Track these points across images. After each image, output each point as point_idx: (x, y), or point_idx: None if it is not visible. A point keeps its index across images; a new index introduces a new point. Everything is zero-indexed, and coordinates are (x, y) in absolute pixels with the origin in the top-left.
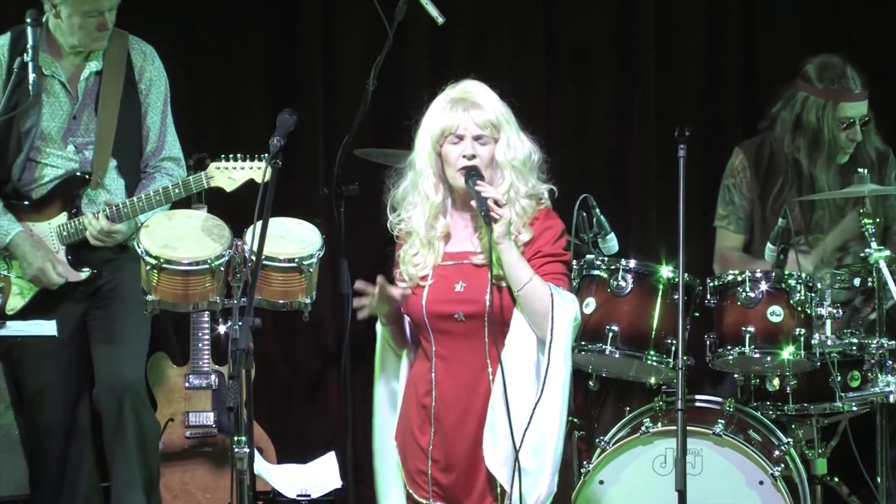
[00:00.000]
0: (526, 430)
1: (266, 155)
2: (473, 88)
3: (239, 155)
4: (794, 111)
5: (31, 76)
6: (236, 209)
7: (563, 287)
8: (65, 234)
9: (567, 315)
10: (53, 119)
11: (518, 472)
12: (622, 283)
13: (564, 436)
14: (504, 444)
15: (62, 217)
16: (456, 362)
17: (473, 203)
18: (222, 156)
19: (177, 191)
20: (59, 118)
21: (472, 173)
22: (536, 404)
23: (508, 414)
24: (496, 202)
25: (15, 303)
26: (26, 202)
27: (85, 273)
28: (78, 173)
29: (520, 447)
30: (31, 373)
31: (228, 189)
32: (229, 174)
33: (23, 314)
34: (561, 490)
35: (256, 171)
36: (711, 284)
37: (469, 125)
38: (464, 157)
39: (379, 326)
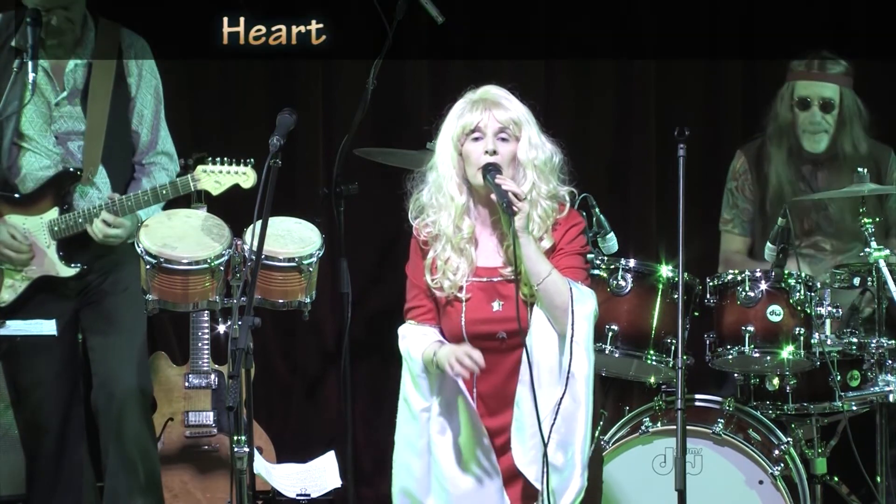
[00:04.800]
0: (552, 427)
1: (252, 160)
2: (494, 90)
3: (226, 159)
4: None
5: (31, 75)
6: (236, 209)
7: (580, 280)
8: (56, 228)
9: (586, 308)
10: (35, 106)
11: (546, 468)
12: (622, 283)
13: (592, 430)
14: (532, 443)
15: (53, 212)
16: (493, 374)
17: (493, 197)
18: (209, 159)
19: (164, 192)
20: (41, 106)
21: (490, 168)
22: (561, 399)
23: (536, 409)
24: (516, 195)
25: (6, 296)
26: (16, 195)
27: (74, 269)
28: (70, 168)
29: (547, 442)
30: (23, 368)
31: (214, 193)
32: (216, 178)
33: (14, 307)
34: None
35: (242, 176)
36: (711, 284)
37: (490, 121)
38: (485, 153)
39: (420, 361)
